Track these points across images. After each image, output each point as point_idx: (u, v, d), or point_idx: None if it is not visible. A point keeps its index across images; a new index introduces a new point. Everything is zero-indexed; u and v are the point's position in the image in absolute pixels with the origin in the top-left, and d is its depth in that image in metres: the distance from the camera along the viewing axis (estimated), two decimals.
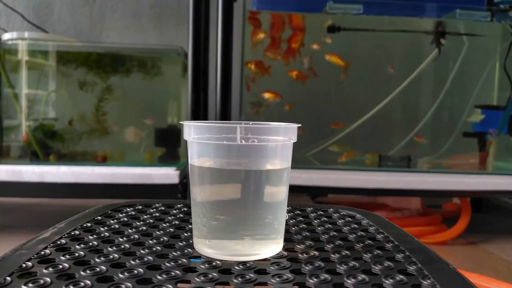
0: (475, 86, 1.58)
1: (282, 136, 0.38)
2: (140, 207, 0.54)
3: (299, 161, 1.37)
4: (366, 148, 1.59)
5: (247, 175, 0.37)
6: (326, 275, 0.32)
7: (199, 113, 1.29)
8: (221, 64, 1.27)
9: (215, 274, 0.32)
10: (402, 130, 1.59)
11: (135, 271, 0.32)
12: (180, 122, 0.39)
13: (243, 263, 0.35)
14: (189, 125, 0.38)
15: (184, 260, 0.35)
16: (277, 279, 0.32)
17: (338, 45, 1.57)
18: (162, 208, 0.54)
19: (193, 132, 0.38)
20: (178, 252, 0.37)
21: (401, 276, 0.32)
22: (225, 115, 1.28)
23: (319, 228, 0.47)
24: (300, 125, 0.39)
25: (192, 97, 1.27)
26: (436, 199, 1.68)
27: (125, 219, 0.48)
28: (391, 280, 0.32)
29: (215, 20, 1.28)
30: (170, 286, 0.30)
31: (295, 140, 0.39)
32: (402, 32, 1.59)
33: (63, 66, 1.43)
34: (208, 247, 0.37)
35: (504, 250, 1.23)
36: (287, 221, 0.48)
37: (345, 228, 0.47)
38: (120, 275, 0.31)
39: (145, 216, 0.49)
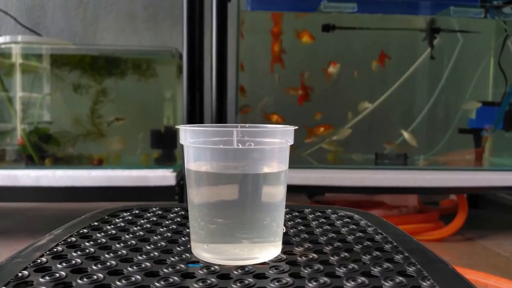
0: (470, 83, 1.58)
1: (279, 139, 0.38)
2: (137, 211, 0.53)
3: (295, 160, 1.37)
4: (363, 147, 1.58)
5: (244, 178, 0.36)
6: (326, 279, 0.32)
7: (195, 113, 1.29)
8: (216, 64, 1.27)
9: (213, 280, 0.32)
10: (397, 128, 1.59)
11: (133, 278, 0.32)
12: (176, 126, 0.39)
13: (242, 267, 0.35)
14: (185, 129, 0.38)
15: (182, 266, 0.35)
16: (276, 283, 0.31)
17: (333, 44, 1.57)
18: (159, 212, 0.54)
19: (189, 136, 0.38)
20: (176, 258, 0.37)
21: (400, 278, 0.32)
22: (221, 115, 1.27)
23: (317, 230, 0.46)
24: (296, 127, 0.39)
25: (187, 98, 1.27)
26: (433, 196, 1.69)
27: (122, 224, 0.48)
28: (390, 282, 0.32)
29: (209, 21, 1.28)
30: None
31: (292, 143, 0.38)
32: (396, 30, 1.59)
33: (57, 69, 1.42)
34: (206, 252, 0.37)
35: (501, 246, 1.24)
36: (285, 223, 0.48)
37: (343, 229, 0.47)
38: (118, 283, 0.31)
39: (142, 221, 0.49)
